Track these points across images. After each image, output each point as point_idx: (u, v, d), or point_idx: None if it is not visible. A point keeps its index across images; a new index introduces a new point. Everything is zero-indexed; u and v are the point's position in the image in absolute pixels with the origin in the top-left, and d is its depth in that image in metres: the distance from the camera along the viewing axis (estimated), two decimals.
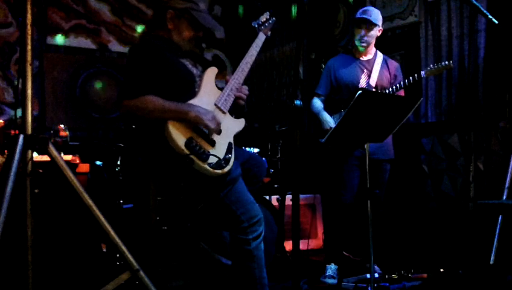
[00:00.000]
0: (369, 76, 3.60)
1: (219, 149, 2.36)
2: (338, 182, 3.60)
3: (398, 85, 3.48)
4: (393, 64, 3.72)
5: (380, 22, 3.61)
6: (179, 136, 2.27)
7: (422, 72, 3.47)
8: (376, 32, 3.61)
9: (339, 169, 3.58)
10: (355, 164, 3.54)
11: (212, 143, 2.36)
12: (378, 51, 3.71)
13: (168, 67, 2.40)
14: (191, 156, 2.23)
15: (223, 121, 2.46)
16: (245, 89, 2.62)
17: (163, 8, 2.50)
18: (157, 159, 2.39)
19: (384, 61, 3.68)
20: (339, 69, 3.67)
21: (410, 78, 3.45)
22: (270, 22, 2.77)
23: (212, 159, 2.29)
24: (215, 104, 2.48)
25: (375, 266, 3.47)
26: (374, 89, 3.56)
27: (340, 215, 3.59)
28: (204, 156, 2.27)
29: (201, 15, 2.53)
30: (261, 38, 2.73)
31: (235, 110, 2.62)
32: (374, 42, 3.66)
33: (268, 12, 2.79)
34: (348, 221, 3.60)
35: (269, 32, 2.78)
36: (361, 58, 3.68)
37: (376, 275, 3.24)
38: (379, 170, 3.55)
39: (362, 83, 3.59)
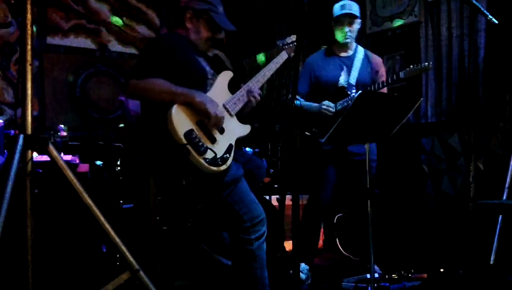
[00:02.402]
0: (349, 73, 3.52)
1: (219, 147, 2.36)
2: (315, 183, 3.54)
3: (379, 84, 3.41)
4: (376, 60, 3.63)
5: (359, 13, 3.52)
6: (180, 124, 2.27)
7: (401, 73, 3.37)
8: (358, 25, 3.54)
9: (314, 170, 3.51)
10: (329, 162, 3.47)
11: (213, 140, 2.36)
12: (359, 46, 3.62)
13: (182, 60, 2.43)
14: (188, 146, 2.23)
15: (228, 122, 2.47)
16: (258, 94, 2.63)
17: (182, 8, 2.55)
18: (156, 151, 2.39)
19: (366, 57, 3.59)
20: (318, 67, 3.57)
21: (389, 78, 3.37)
22: (296, 43, 2.81)
23: (209, 155, 2.29)
24: (224, 105, 2.51)
25: (375, 266, 3.47)
26: (354, 87, 3.49)
27: (317, 217, 3.56)
28: (202, 149, 2.27)
29: (220, 17, 2.58)
30: (283, 56, 2.82)
31: (240, 110, 2.62)
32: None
33: (295, 36, 2.85)
34: (325, 223, 3.59)
35: (292, 54, 2.83)
36: (341, 55, 3.58)
37: (376, 275, 3.24)
38: (363, 171, 3.49)
39: (342, 81, 3.51)
